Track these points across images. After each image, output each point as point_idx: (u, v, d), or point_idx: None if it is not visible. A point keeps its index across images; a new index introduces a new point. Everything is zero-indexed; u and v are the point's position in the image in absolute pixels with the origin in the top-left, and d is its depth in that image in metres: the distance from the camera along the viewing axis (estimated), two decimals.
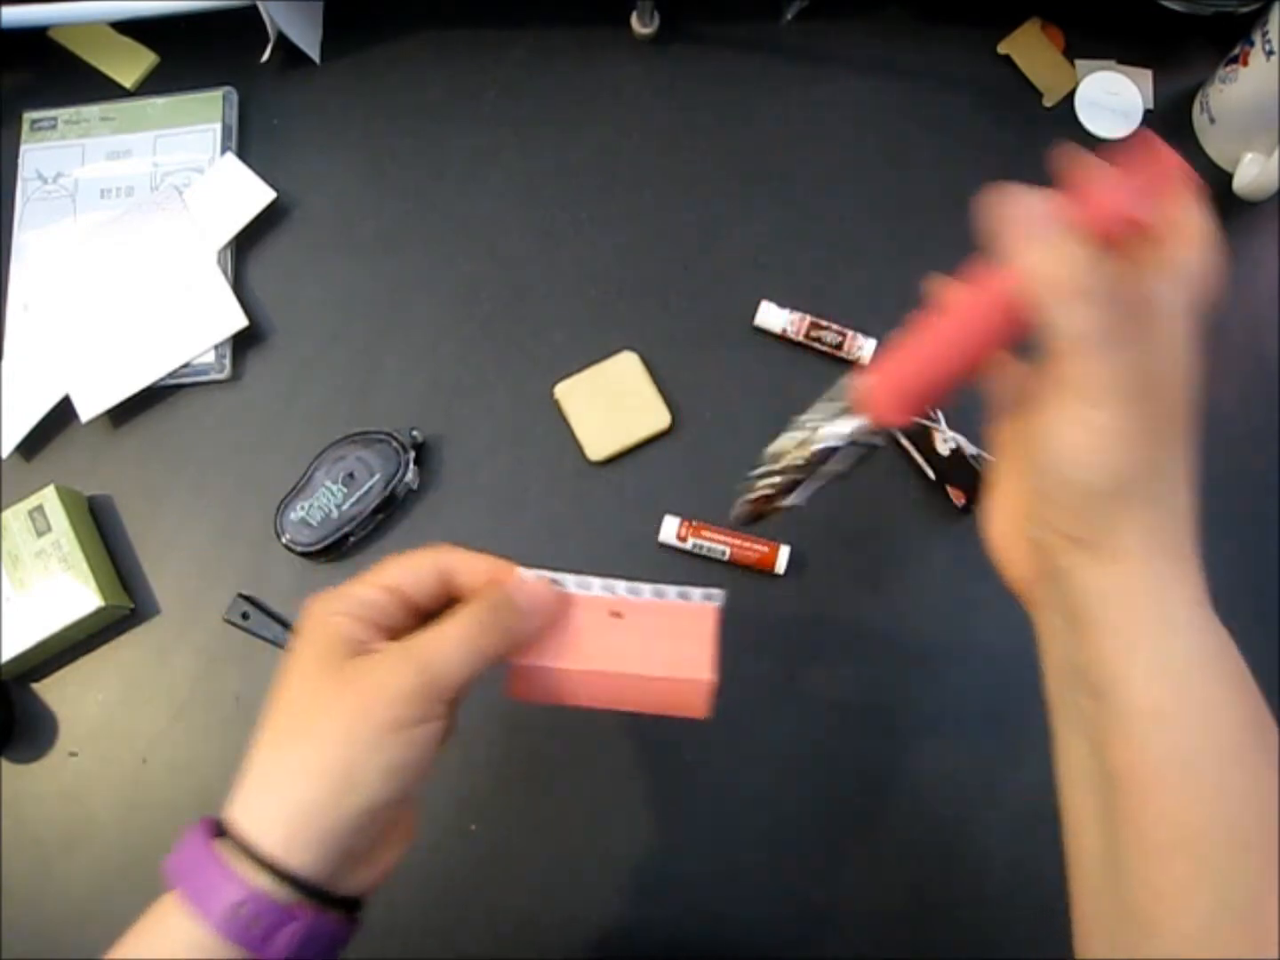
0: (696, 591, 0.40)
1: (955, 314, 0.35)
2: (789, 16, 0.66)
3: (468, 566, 0.38)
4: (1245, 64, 0.58)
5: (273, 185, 0.62)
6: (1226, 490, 0.57)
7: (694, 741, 0.54)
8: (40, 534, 0.56)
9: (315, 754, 0.33)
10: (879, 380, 0.36)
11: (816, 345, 0.59)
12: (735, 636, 0.55)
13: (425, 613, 0.38)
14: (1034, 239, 0.31)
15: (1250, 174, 0.59)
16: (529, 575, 0.38)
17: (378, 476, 0.57)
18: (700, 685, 0.39)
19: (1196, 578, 0.31)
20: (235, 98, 0.66)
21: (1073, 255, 0.29)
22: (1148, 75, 0.66)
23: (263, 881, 0.31)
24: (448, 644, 0.35)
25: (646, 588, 0.39)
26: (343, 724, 0.33)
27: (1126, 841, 0.30)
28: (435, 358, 0.61)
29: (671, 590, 0.40)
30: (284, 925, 0.31)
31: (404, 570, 0.37)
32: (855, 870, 0.52)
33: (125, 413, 0.61)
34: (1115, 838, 0.31)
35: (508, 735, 0.55)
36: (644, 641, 0.39)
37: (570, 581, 0.39)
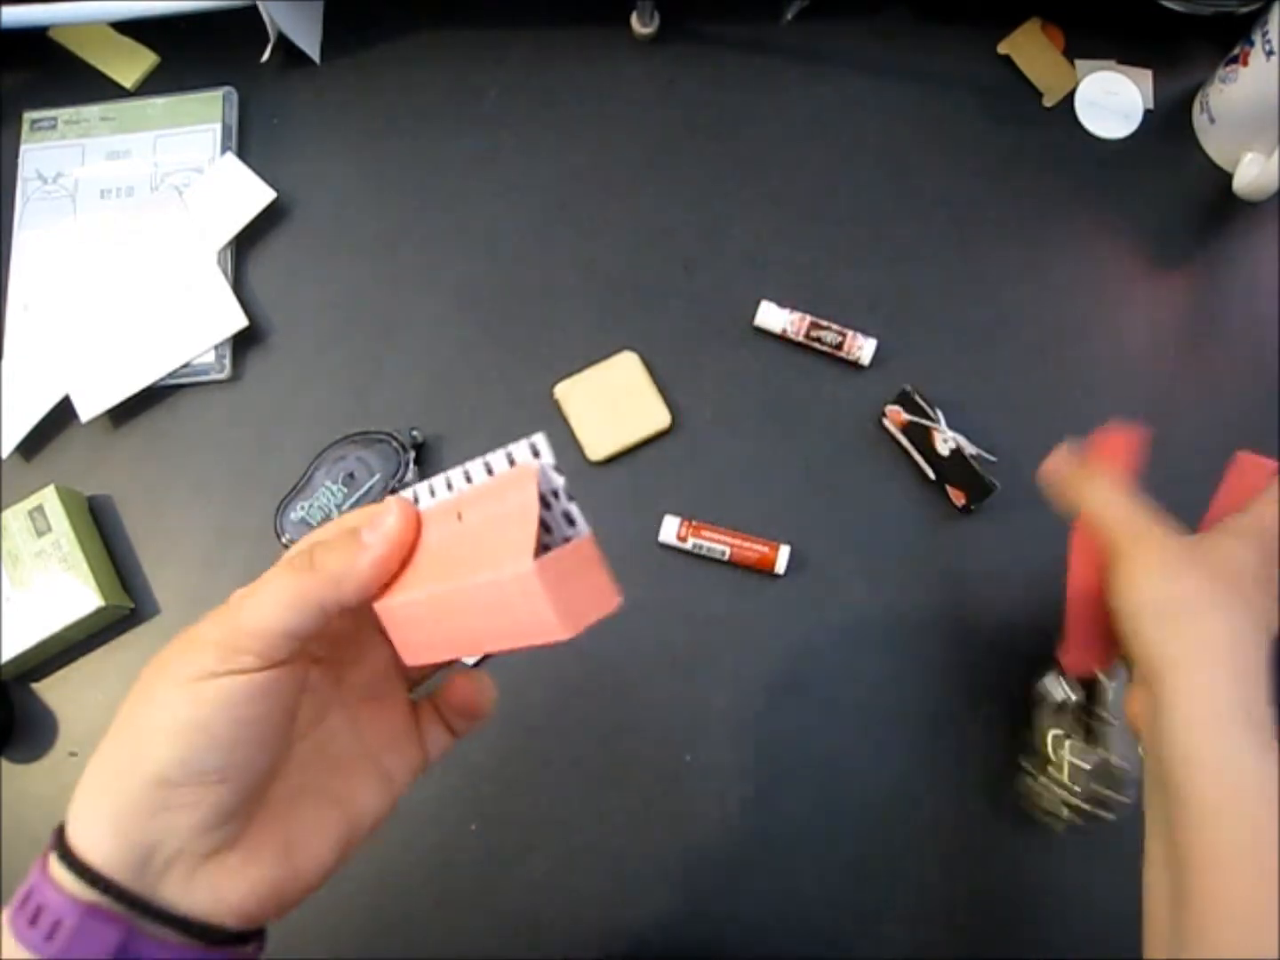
0: (520, 446, 0.29)
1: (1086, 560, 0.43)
2: (789, 16, 0.66)
3: (351, 581, 0.30)
4: (1245, 64, 0.58)
5: (273, 185, 0.62)
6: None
7: (694, 741, 0.54)
8: (40, 534, 0.56)
9: (114, 725, 0.30)
10: (1078, 651, 0.44)
11: (816, 345, 0.59)
12: (735, 636, 0.56)
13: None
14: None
15: (1250, 174, 0.59)
16: (390, 502, 0.31)
17: (378, 476, 0.57)
18: (525, 583, 0.27)
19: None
20: (235, 98, 0.66)
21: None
22: (1148, 75, 0.66)
23: (58, 874, 0.28)
24: (259, 586, 0.30)
25: (477, 465, 0.31)
26: (140, 685, 0.30)
27: (1187, 913, 0.33)
28: (435, 358, 0.61)
29: (498, 456, 0.30)
30: (66, 922, 0.27)
31: (272, 615, 0.30)
32: (856, 870, 0.52)
33: (125, 413, 0.61)
34: (1179, 912, 0.33)
35: (508, 735, 0.55)
36: (475, 541, 0.29)
37: (423, 489, 0.32)
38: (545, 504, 0.29)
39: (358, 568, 0.30)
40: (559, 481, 0.29)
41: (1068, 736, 0.49)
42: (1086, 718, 0.49)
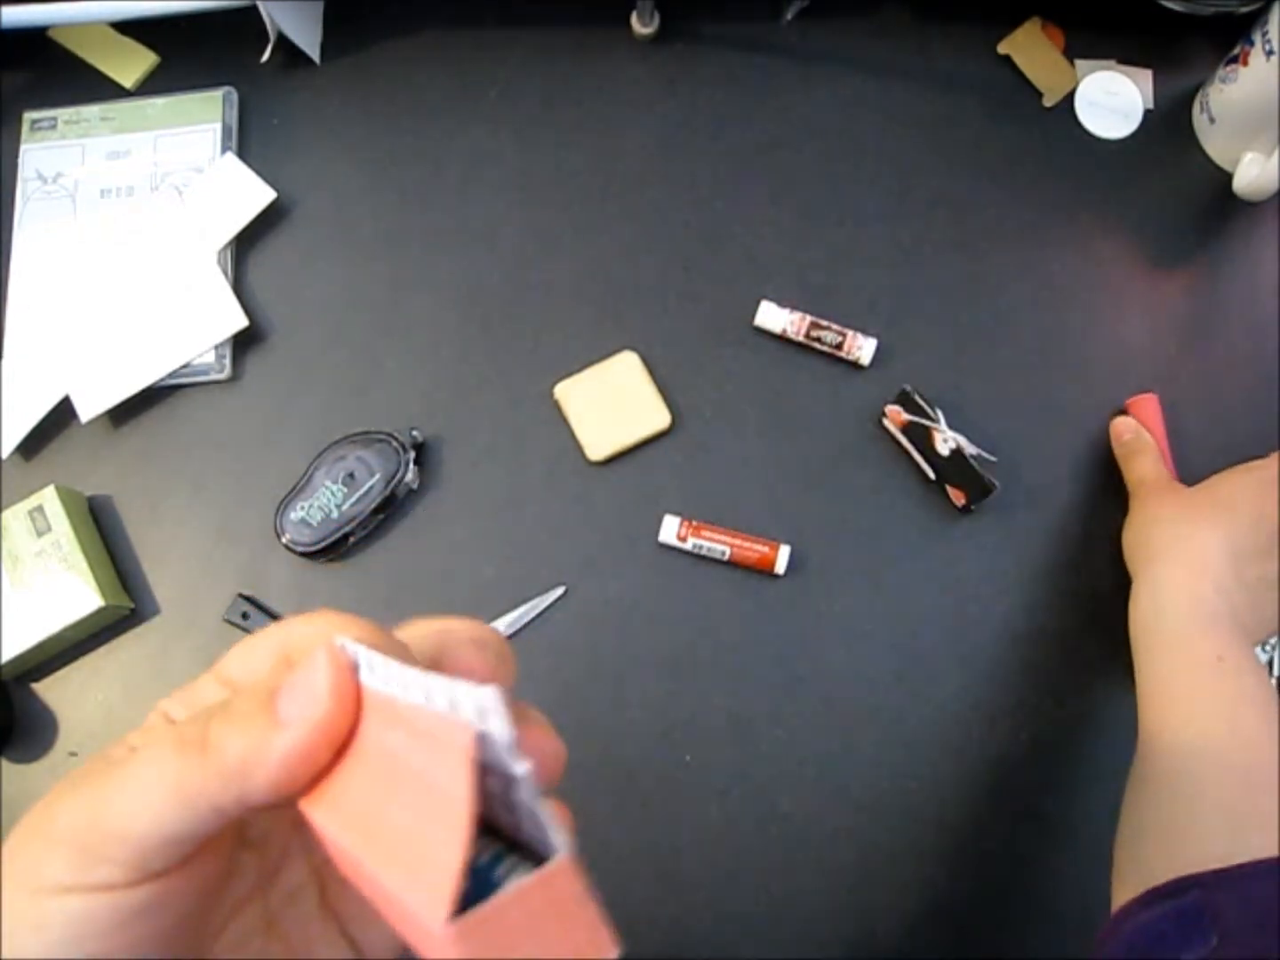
0: (464, 694, 0.18)
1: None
2: (789, 16, 0.66)
3: (302, 642, 0.22)
4: (1245, 64, 0.58)
5: (273, 185, 0.62)
6: None
7: (694, 742, 0.54)
8: (40, 534, 0.56)
9: None
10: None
11: (816, 345, 0.59)
12: (735, 636, 0.56)
13: None
14: None
15: (1250, 174, 0.59)
16: (320, 661, 0.21)
17: (378, 476, 0.57)
18: (441, 944, 0.17)
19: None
20: (235, 98, 0.66)
21: None
22: (1148, 75, 0.66)
23: None
24: (131, 766, 0.21)
25: (416, 681, 0.19)
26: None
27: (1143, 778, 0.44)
28: (435, 358, 0.61)
29: (440, 689, 0.19)
30: None
31: (241, 656, 0.23)
32: (856, 869, 0.52)
33: (125, 413, 0.61)
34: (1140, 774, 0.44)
35: None
36: (403, 800, 0.19)
37: (366, 654, 0.21)
38: (508, 785, 0.18)
39: (269, 756, 0.20)
40: (520, 770, 0.18)
41: None
42: None
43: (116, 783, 0.20)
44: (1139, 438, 0.55)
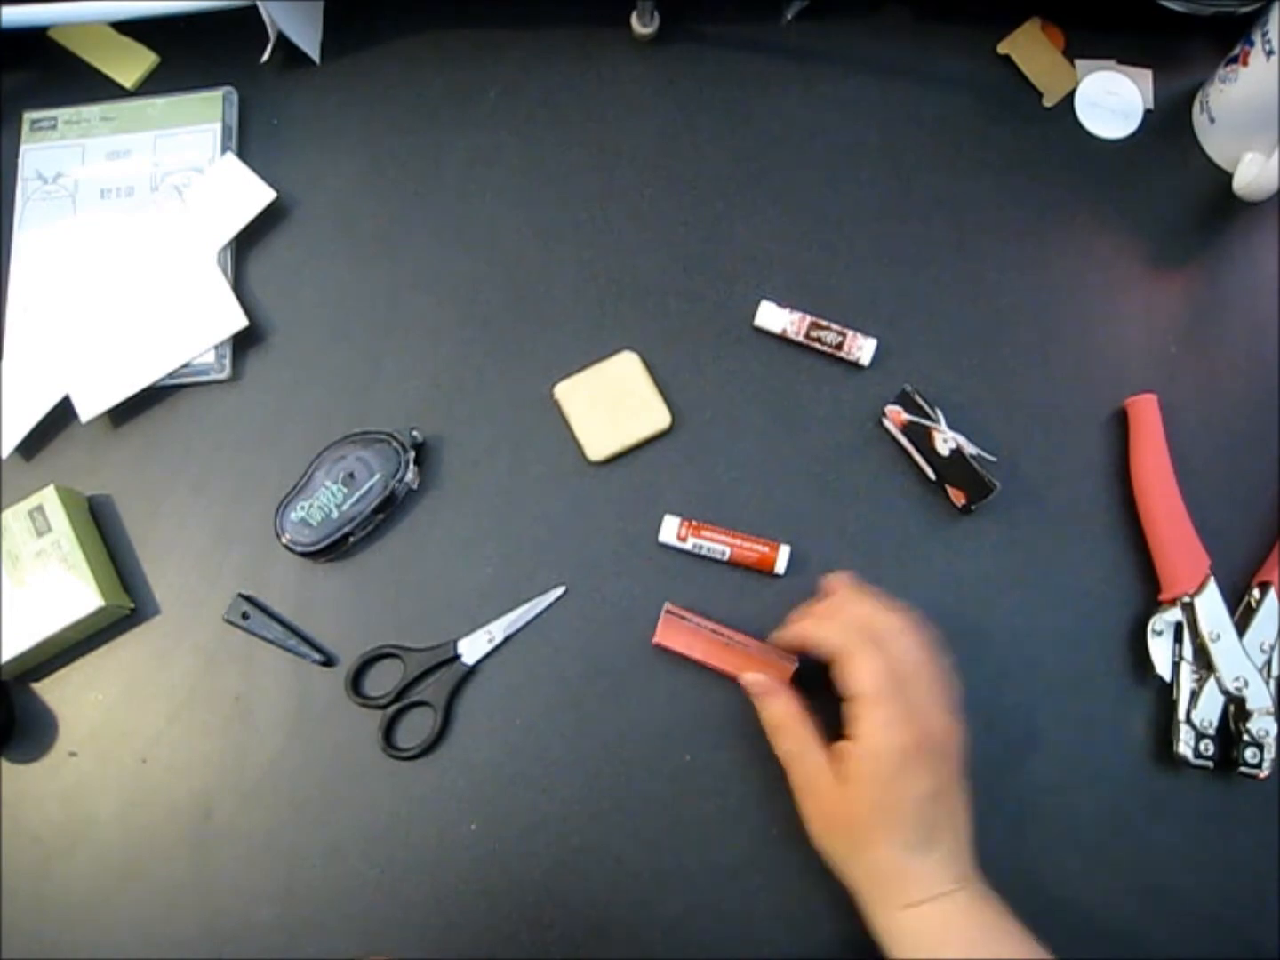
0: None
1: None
2: (789, 16, 0.66)
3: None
4: (1245, 64, 0.58)
5: (273, 185, 0.62)
6: (1227, 490, 0.57)
7: (694, 741, 0.54)
8: (40, 534, 0.56)
9: None
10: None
11: (816, 345, 0.59)
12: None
13: None
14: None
15: (1250, 174, 0.59)
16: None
17: (378, 476, 0.57)
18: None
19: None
20: (235, 98, 0.66)
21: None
22: (1148, 75, 0.66)
23: None
24: None
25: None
26: None
27: None
28: (435, 358, 0.61)
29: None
30: None
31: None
32: None
33: (125, 413, 0.61)
34: None
35: (507, 735, 0.55)
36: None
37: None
38: None
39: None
40: None
41: None
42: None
43: None
44: (783, 720, 0.50)
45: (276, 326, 0.62)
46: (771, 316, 0.59)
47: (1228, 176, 0.62)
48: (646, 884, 0.52)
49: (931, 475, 0.57)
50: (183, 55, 0.68)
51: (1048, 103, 0.65)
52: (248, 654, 0.56)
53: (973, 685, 0.55)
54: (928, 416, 0.56)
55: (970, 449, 0.55)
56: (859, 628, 0.48)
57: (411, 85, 0.67)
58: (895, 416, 0.57)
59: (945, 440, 0.55)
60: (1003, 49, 0.66)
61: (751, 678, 0.51)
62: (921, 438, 0.56)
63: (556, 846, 0.53)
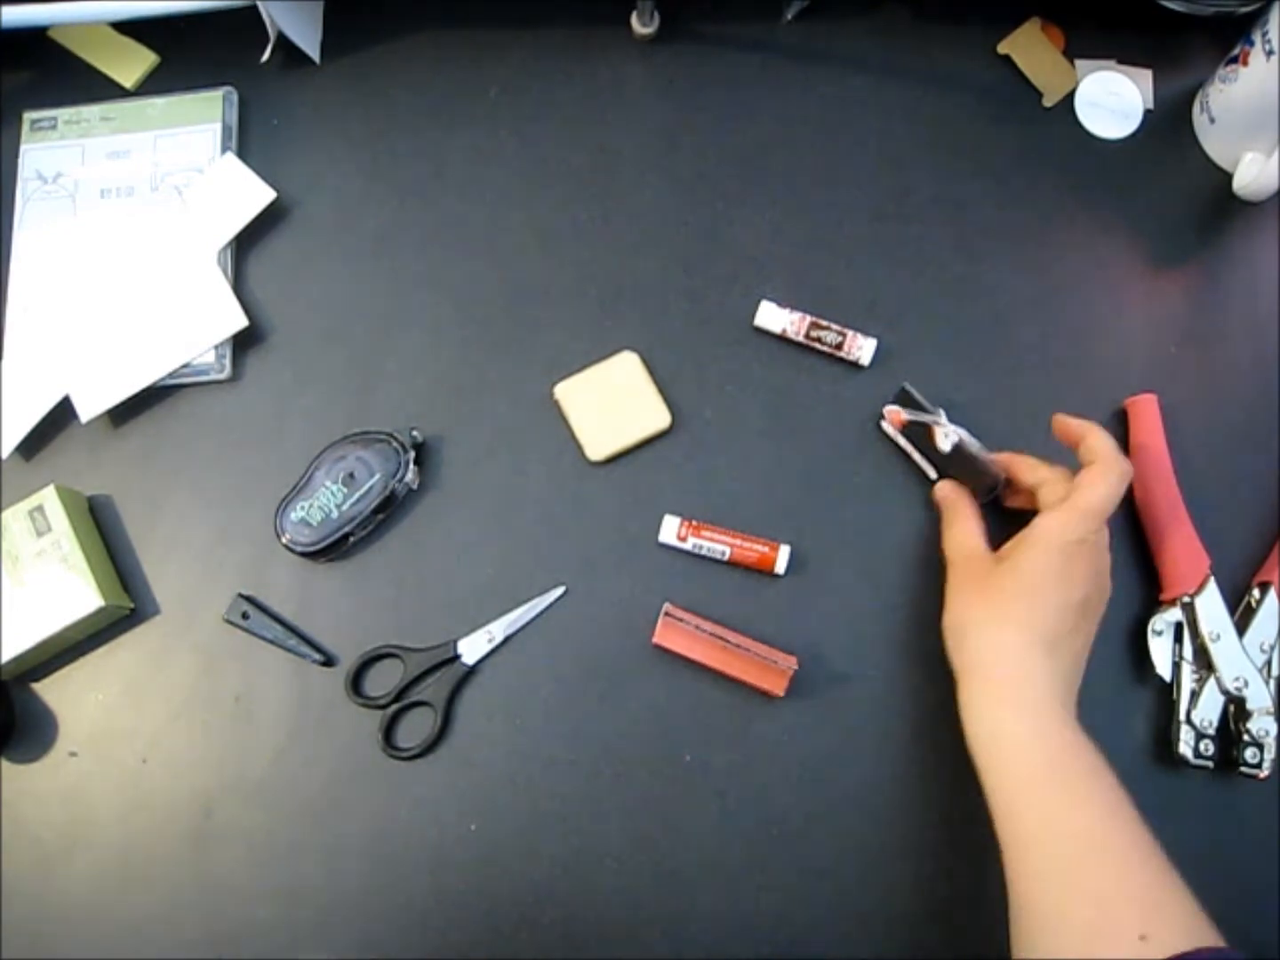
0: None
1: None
2: (789, 16, 0.66)
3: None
4: (1245, 64, 0.58)
5: (273, 185, 0.62)
6: (1227, 490, 0.57)
7: (694, 741, 0.54)
8: (40, 534, 0.56)
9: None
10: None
11: (816, 345, 0.59)
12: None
13: None
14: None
15: (1250, 174, 0.59)
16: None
17: (378, 476, 0.57)
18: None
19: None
20: (235, 98, 0.66)
21: None
22: (1148, 75, 0.66)
23: None
24: None
25: None
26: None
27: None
28: (435, 358, 0.61)
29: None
30: None
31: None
32: (857, 869, 0.52)
33: (125, 413, 0.61)
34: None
35: (507, 735, 0.55)
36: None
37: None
38: None
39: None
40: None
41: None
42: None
43: None
44: (958, 504, 0.55)
45: (276, 326, 0.62)
46: (771, 316, 0.59)
47: (1228, 176, 0.62)
48: (646, 884, 0.52)
49: (933, 474, 0.57)
50: (183, 55, 0.68)
51: (1048, 103, 0.65)
52: (248, 654, 0.56)
53: None
54: (927, 411, 0.56)
55: (973, 443, 0.55)
56: (1113, 453, 0.49)
57: (411, 85, 0.67)
58: (894, 417, 0.57)
59: (947, 435, 0.55)
60: (1003, 49, 0.66)
61: (937, 489, 0.56)
62: (921, 436, 0.56)
63: (556, 846, 0.53)
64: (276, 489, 0.58)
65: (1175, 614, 0.53)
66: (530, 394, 0.60)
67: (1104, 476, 0.48)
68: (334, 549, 0.57)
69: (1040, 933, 0.42)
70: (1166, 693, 0.53)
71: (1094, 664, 0.54)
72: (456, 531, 0.58)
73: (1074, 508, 0.48)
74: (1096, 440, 0.50)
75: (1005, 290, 0.61)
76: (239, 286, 0.63)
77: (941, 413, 0.56)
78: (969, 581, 0.51)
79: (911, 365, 0.60)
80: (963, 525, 0.54)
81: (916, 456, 0.57)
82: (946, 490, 0.55)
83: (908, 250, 0.62)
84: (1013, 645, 0.47)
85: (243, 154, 0.64)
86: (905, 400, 0.56)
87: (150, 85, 0.68)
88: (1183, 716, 0.52)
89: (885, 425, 0.58)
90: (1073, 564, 0.48)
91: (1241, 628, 0.53)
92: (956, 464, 0.55)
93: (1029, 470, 0.53)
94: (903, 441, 0.57)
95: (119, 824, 0.55)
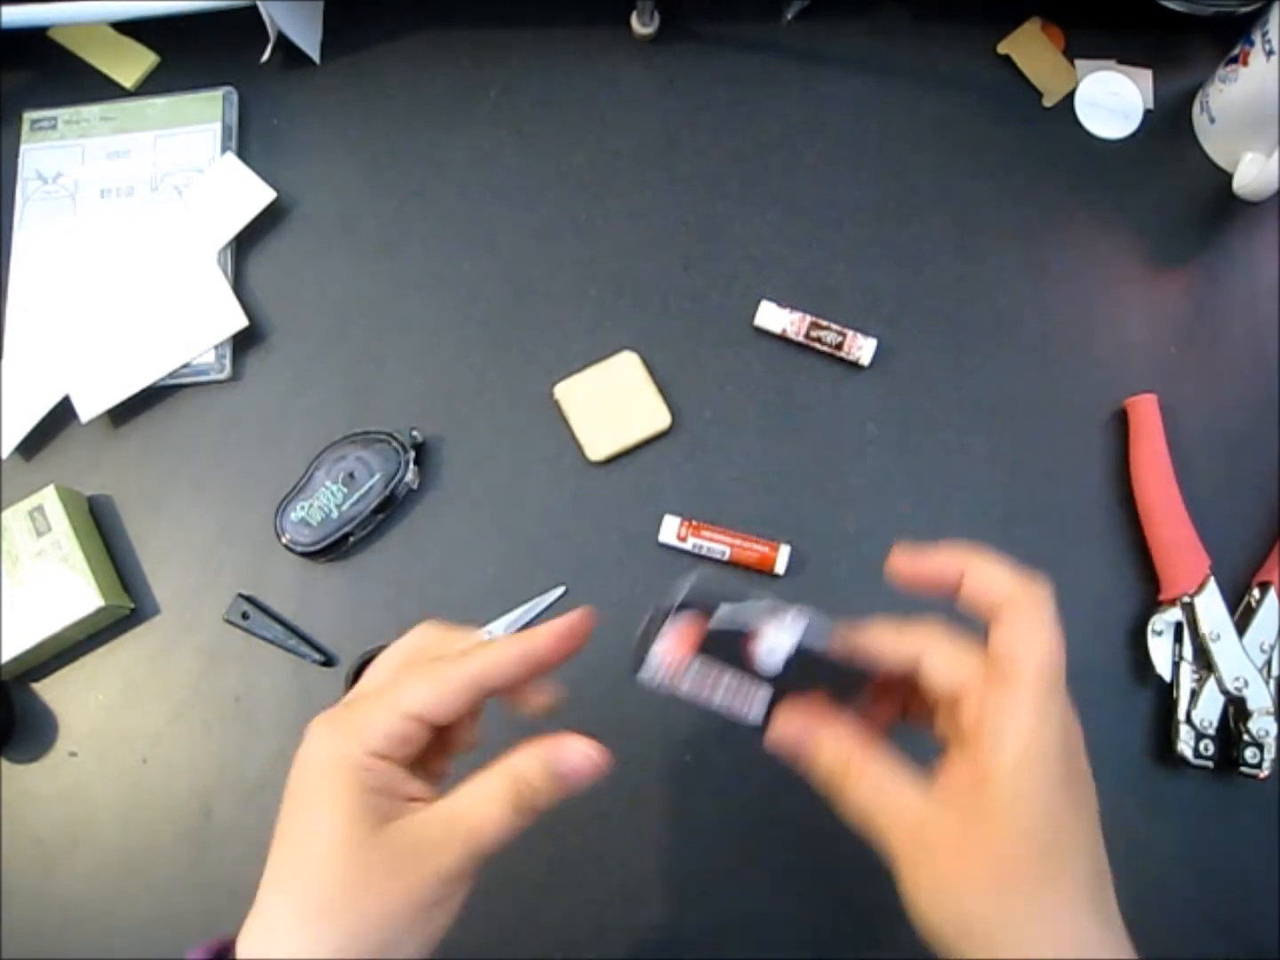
0: None
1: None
2: (789, 16, 0.66)
3: (500, 672, 0.37)
4: (1245, 64, 0.58)
5: (273, 185, 0.62)
6: (1227, 490, 0.57)
7: (694, 742, 0.54)
8: (40, 534, 0.56)
9: (352, 937, 0.31)
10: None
11: (816, 345, 0.59)
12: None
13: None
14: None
15: (1250, 174, 0.59)
16: (572, 745, 0.38)
17: (378, 476, 0.57)
18: None
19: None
20: (235, 98, 0.66)
21: None
22: (1148, 75, 0.66)
23: None
24: (491, 820, 0.34)
25: None
26: (382, 905, 0.31)
27: None
28: (435, 358, 0.61)
29: None
30: None
31: (432, 696, 0.34)
32: (856, 869, 0.52)
33: (125, 413, 0.61)
34: None
35: (508, 737, 0.55)
36: None
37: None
38: None
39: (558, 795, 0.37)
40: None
41: None
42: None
43: (488, 830, 0.35)
44: (838, 744, 0.37)
45: (276, 326, 0.62)
46: (771, 316, 0.59)
47: (1228, 176, 0.62)
48: (647, 884, 0.52)
49: (755, 713, 0.37)
50: (183, 55, 0.68)
51: (1048, 103, 0.65)
52: (248, 654, 0.56)
53: None
54: (739, 616, 0.37)
55: (819, 632, 0.36)
56: (1024, 580, 0.33)
57: (411, 85, 0.67)
58: (680, 645, 0.38)
59: (774, 644, 0.36)
60: (1003, 49, 0.66)
61: (777, 734, 0.36)
62: (732, 656, 0.36)
63: (556, 847, 0.53)
64: (276, 489, 0.58)
65: (1175, 614, 0.53)
66: (530, 394, 0.60)
67: (1037, 622, 0.32)
68: (334, 549, 0.57)
69: None
70: (1166, 693, 0.53)
71: (1094, 664, 0.55)
72: (456, 531, 0.58)
73: (1033, 690, 0.31)
74: (991, 570, 0.34)
75: (1005, 290, 0.61)
76: (239, 286, 0.63)
77: (764, 602, 0.36)
78: (941, 876, 0.34)
79: (911, 365, 0.60)
80: (871, 772, 0.35)
81: (722, 702, 0.37)
82: (802, 728, 0.36)
83: (908, 250, 0.62)
84: (1064, 928, 0.30)
85: (243, 154, 0.64)
86: (697, 602, 0.37)
87: (150, 85, 0.68)
88: (1182, 716, 0.52)
89: (647, 676, 0.38)
90: (1073, 783, 0.33)
91: (1241, 628, 0.53)
92: (799, 677, 0.36)
93: (892, 640, 0.36)
94: (689, 687, 0.37)
95: (119, 824, 0.55)
